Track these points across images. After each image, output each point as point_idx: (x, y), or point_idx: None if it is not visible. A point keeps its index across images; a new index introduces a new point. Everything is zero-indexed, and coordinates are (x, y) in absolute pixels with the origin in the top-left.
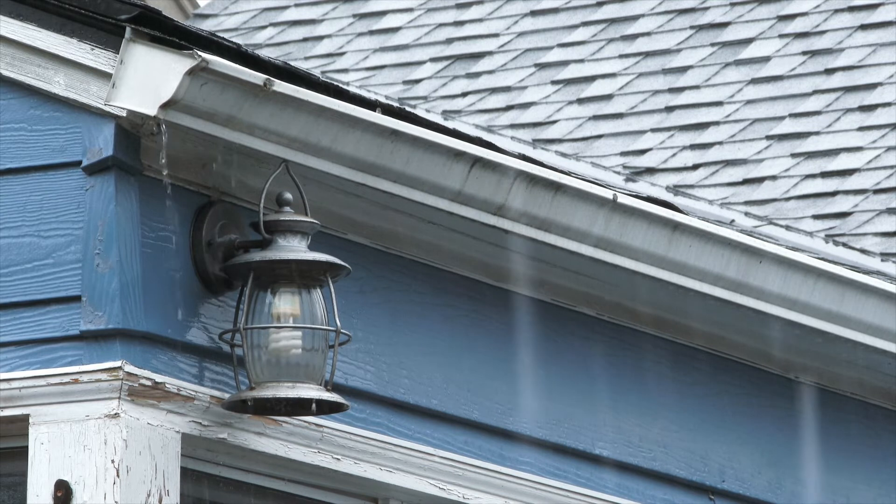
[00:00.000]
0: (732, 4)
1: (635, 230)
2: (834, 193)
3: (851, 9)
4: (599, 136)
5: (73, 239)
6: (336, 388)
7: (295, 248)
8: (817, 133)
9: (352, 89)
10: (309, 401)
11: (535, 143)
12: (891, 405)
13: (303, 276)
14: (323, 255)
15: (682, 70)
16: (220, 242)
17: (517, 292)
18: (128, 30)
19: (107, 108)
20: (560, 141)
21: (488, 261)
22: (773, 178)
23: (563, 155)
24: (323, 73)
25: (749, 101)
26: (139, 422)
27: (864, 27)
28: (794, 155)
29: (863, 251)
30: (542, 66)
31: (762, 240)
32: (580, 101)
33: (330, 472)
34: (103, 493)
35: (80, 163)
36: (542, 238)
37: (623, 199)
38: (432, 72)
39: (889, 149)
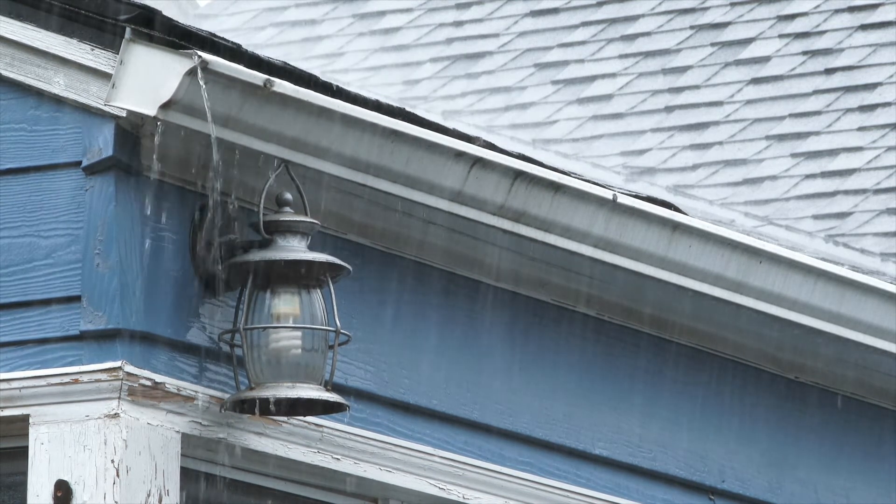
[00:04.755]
0: (732, 4)
1: (635, 230)
2: (834, 193)
3: (851, 9)
4: (599, 136)
5: (72, 239)
6: (336, 388)
7: (295, 248)
8: (817, 133)
9: (352, 89)
10: (309, 401)
11: (535, 143)
12: (891, 405)
13: (303, 276)
14: (323, 255)
15: (682, 70)
16: (220, 242)
17: (517, 292)
18: (128, 30)
19: (107, 109)
20: (560, 141)
21: (488, 261)
22: (773, 178)
23: (563, 155)
24: (323, 73)
25: (749, 101)
26: (139, 422)
27: (864, 27)
28: (794, 155)
29: (863, 251)
30: (542, 66)
31: (762, 240)
32: (580, 101)
33: (330, 472)
34: (103, 493)
35: (79, 163)
36: (542, 238)
37: (623, 199)
38: (432, 72)
39: (889, 149)
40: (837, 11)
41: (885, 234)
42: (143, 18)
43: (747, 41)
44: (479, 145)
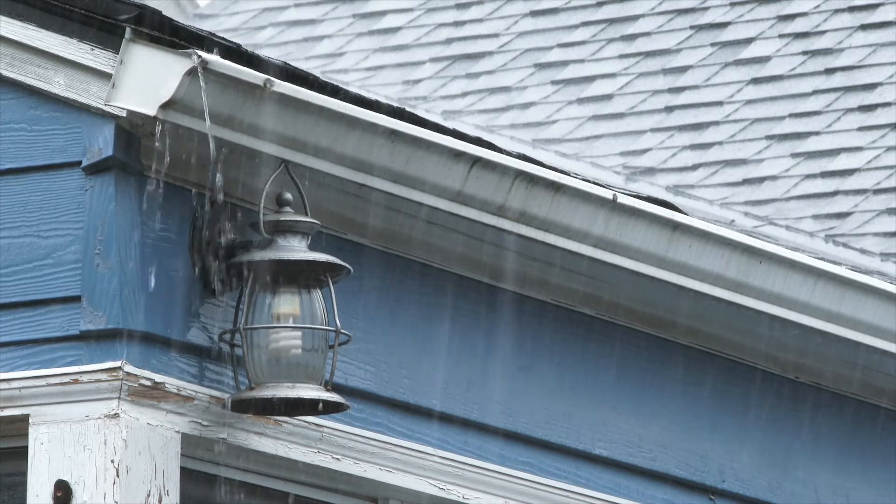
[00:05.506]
0: (732, 4)
1: (635, 230)
2: (834, 193)
3: (851, 9)
4: (599, 136)
5: (73, 239)
6: (336, 388)
7: (295, 248)
8: (817, 133)
9: (352, 89)
10: (309, 401)
11: (535, 143)
12: (891, 405)
13: (303, 276)
14: (323, 255)
15: (682, 70)
16: (221, 242)
17: (517, 292)
18: (128, 30)
19: (107, 109)
20: (560, 141)
21: (488, 261)
22: (773, 178)
23: (563, 155)
24: (323, 73)
25: (749, 101)
26: (139, 422)
27: (864, 27)
28: (794, 155)
29: (863, 251)
30: (542, 66)
31: (762, 240)
32: (580, 101)
33: (330, 472)
34: (103, 493)
35: (80, 163)
36: (542, 238)
37: (623, 199)
38: (432, 72)
39: (889, 149)
40: (837, 11)
41: (885, 234)
42: (143, 18)
43: (747, 41)
44: (479, 145)
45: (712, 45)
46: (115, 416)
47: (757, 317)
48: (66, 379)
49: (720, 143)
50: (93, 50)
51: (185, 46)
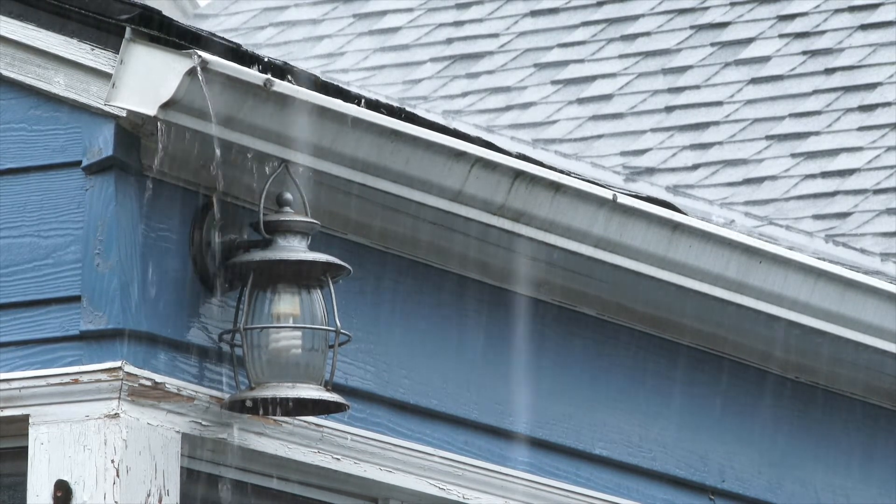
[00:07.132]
0: (732, 4)
1: (635, 230)
2: (834, 193)
3: (851, 9)
4: (599, 136)
5: (73, 239)
6: (336, 388)
7: (295, 248)
8: (817, 133)
9: (352, 89)
10: (309, 401)
11: (535, 143)
12: (891, 405)
13: (303, 276)
14: (323, 255)
15: (682, 70)
16: (220, 242)
17: (517, 292)
18: (128, 30)
19: (107, 108)
20: (560, 141)
21: (488, 261)
22: (773, 178)
23: (563, 155)
24: (323, 73)
25: (749, 101)
26: (139, 422)
27: (864, 27)
28: (794, 155)
29: (863, 251)
30: (542, 66)
31: (762, 240)
32: (580, 101)
33: (330, 472)
34: (103, 493)
35: (80, 163)
36: (542, 238)
37: (623, 199)
38: (432, 72)
39: (889, 149)
40: (837, 11)
41: (885, 234)
42: (143, 18)
43: (747, 41)
44: (478, 145)
45: (712, 45)
46: (116, 416)
47: (757, 317)
48: (66, 379)
49: (720, 143)
50: (93, 50)
51: (185, 46)
